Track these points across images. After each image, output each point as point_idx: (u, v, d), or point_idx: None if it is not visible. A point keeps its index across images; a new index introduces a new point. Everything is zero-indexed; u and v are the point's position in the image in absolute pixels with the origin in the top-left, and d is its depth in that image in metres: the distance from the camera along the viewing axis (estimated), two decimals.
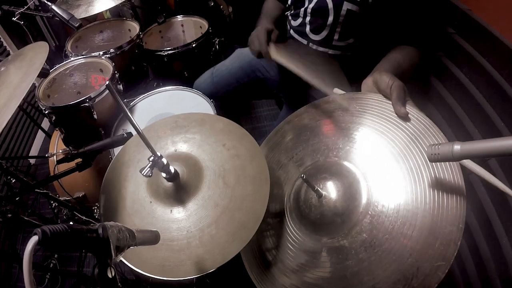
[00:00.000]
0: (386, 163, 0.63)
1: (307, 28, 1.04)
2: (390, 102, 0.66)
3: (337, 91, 0.79)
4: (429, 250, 0.53)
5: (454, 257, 0.51)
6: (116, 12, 2.09)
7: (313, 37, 1.04)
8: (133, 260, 0.66)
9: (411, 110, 0.64)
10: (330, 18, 0.96)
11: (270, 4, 1.21)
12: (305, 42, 1.07)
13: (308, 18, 1.03)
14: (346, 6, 0.92)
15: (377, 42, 0.95)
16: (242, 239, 0.64)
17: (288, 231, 0.70)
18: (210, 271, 0.63)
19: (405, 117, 0.63)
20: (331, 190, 0.66)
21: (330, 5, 0.95)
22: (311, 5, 1.00)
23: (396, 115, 0.65)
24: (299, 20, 1.06)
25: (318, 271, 0.63)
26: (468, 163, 0.56)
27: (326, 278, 0.61)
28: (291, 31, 1.11)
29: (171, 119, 0.86)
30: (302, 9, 1.03)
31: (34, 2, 1.40)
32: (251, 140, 0.77)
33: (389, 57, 0.87)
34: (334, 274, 0.60)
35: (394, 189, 0.60)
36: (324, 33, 1.01)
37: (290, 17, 1.12)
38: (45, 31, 2.23)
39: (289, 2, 1.11)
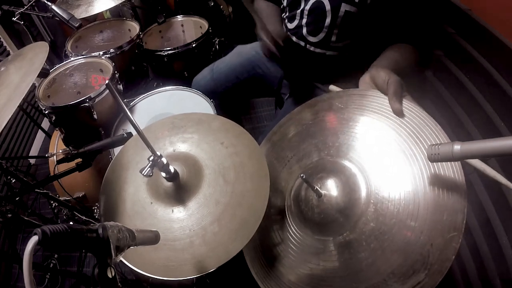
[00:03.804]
0: (380, 152, 0.63)
1: (304, 30, 1.04)
2: (387, 98, 0.66)
3: (333, 88, 0.79)
4: (438, 224, 0.53)
5: (464, 227, 0.51)
6: (116, 12, 2.09)
7: (311, 39, 1.04)
8: (136, 262, 0.66)
9: (409, 104, 0.64)
10: (328, 20, 0.96)
11: (268, 9, 1.18)
12: (302, 44, 1.07)
13: (304, 20, 1.03)
14: (344, 7, 0.92)
15: (374, 41, 0.95)
16: (245, 235, 0.64)
17: (292, 234, 0.70)
18: (214, 269, 0.63)
19: (399, 113, 0.64)
20: (330, 187, 0.66)
21: (328, 7, 0.94)
22: (308, 7, 0.99)
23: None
24: (296, 22, 1.06)
25: (331, 269, 0.62)
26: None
27: (341, 276, 0.60)
28: (288, 34, 1.11)
29: (168, 120, 0.86)
30: (298, 10, 1.03)
31: (32, 1, 1.40)
32: (248, 137, 0.78)
33: (386, 54, 0.87)
34: (350, 270, 0.59)
35: (391, 174, 0.61)
36: (321, 35, 1.01)
37: (286, 20, 1.11)
38: (41, 28, 2.22)
39: (284, 4, 1.10)
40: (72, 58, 1.41)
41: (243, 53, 1.36)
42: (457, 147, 0.48)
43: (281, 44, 0.95)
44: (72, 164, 0.95)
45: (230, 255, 0.63)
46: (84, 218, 1.35)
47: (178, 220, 0.69)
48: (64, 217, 1.47)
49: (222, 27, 2.14)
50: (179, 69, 1.72)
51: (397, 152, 0.61)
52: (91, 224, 0.42)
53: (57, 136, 1.45)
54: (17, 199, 1.09)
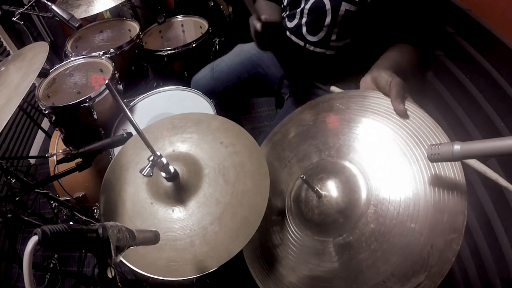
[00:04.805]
0: (381, 153, 0.63)
1: (304, 30, 1.04)
2: (389, 99, 0.66)
3: (334, 89, 0.79)
4: (439, 225, 0.53)
5: (464, 228, 0.51)
6: (116, 12, 2.10)
7: (310, 38, 1.03)
8: (136, 262, 0.66)
9: (410, 106, 0.64)
10: (328, 19, 0.96)
11: (266, 4, 1.18)
12: (302, 43, 1.06)
13: (304, 19, 1.02)
14: (344, 6, 0.92)
15: (375, 41, 0.94)
16: (245, 235, 0.64)
17: (292, 234, 0.70)
18: (216, 268, 0.63)
19: (403, 115, 0.64)
20: (330, 188, 0.66)
21: (328, 6, 0.94)
22: (308, 6, 0.99)
23: (394, 112, 0.65)
24: (295, 21, 1.06)
25: (331, 270, 0.62)
26: (468, 160, 0.56)
27: (341, 277, 0.60)
28: (287, 33, 1.11)
29: (167, 120, 0.86)
30: (298, 9, 1.03)
31: (32, 1, 1.40)
32: (248, 136, 0.78)
33: (387, 55, 0.87)
34: (349, 271, 0.59)
35: (391, 175, 0.61)
36: (321, 34, 1.00)
37: (286, 19, 1.11)
38: (41, 28, 2.22)
39: (284, 3, 1.10)
40: (72, 58, 1.41)
41: (244, 52, 1.35)
42: (457, 147, 0.48)
43: (265, 21, 0.85)
44: (72, 164, 0.96)
45: (231, 255, 0.63)
46: (84, 218, 1.35)
47: (179, 220, 0.69)
48: (64, 217, 1.47)
49: (222, 27, 2.14)
50: (179, 69, 1.72)
51: (398, 153, 0.61)
52: (91, 224, 0.42)
53: (57, 136, 1.45)
54: (17, 199, 1.09)
